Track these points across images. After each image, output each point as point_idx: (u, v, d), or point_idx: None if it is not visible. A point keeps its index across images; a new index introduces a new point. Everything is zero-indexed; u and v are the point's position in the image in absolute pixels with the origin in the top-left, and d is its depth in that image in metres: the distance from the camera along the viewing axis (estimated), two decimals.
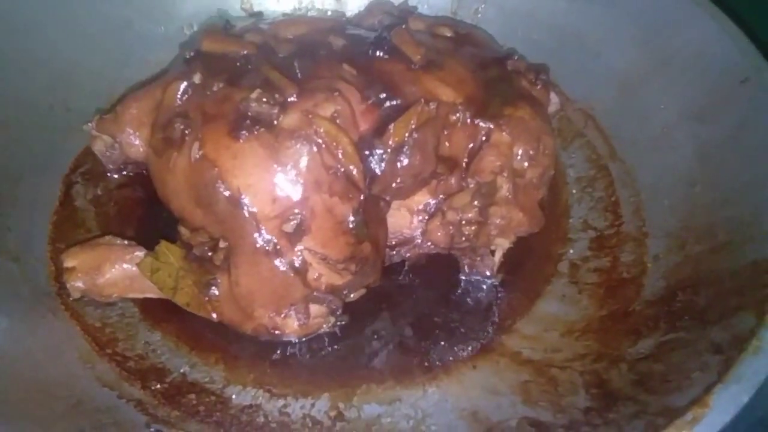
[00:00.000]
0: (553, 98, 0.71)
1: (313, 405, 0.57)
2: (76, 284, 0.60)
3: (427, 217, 0.64)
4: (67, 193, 0.69)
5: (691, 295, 0.56)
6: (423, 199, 0.64)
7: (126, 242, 0.62)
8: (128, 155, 0.66)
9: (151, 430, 0.51)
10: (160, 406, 0.55)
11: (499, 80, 0.67)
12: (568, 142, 0.77)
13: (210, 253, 0.58)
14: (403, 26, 0.67)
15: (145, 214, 0.70)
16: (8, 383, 0.48)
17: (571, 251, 0.69)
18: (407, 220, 0.65)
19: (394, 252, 0.66)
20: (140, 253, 0.61)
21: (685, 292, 0.57)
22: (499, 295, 0.66)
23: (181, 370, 0.59)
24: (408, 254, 0.67)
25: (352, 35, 0.67)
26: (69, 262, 0.60)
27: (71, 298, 0.60)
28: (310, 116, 0.56)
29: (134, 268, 0.60)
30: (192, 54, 0.64)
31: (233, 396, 0.57)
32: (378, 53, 0.64)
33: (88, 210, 0.69)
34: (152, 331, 0.61)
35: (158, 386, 0.57)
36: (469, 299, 0.66)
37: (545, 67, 0.70)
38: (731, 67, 0.64)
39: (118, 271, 0.60)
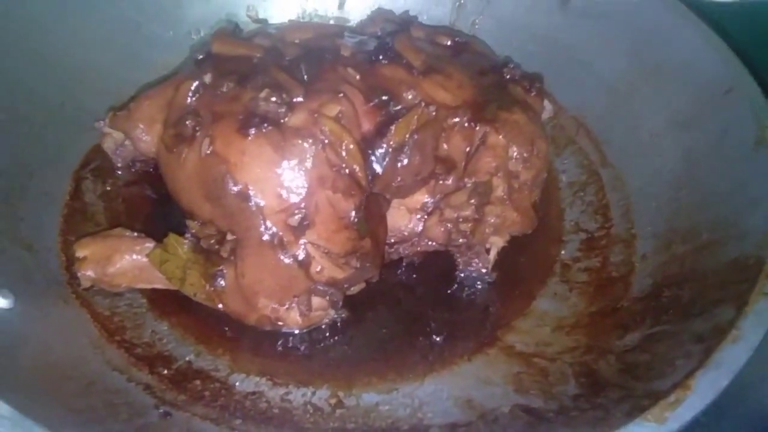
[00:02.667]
0: (547, 106, 0.74)
1: (313, 393, 0.59)
2: (87, 273, 0.62)
3: (425, 216, 0.67)
4: (77, 188, 0.71)
5: (676, 291, 0.59)
6: (422, 198, 0.67)
7: (136, 234, 0.64)
8: (139, 151, 0.68)
9: (160, 411, 0.53)
10: (167, 390, 0.56)
11: (495, 87, 0.70)
12: (561, 148, 0.80)
13: (217, 246, 0.61)
14: (405, 33, 0.70)
15: (152, 210, 0.72)
16: (23, 362, 0.50)
17: (563, 252, 0.71)
18: (406, 219, 0.67)
19: (393, 249, 0.69)
20: (150, 245, 0.63)
21: (670, 288, 0.60)
22: (495, 293, 0.68)
23: (187, 358, 0.61)
24: (406, 252, 0.69)
25: (356, 41, 0.70)
26: (80, 252, 0.62)
27: (81, 287, 0.62)
28: (315, 116, 0.59)
29: (143, 259, 0.63)
30: (203, 55, 0.67)
31: (237, 383, 0.59)
32: (381, 58, 0.67)
33: (97, 205, 0.71)
34: (159, 321, 0.63)
35: (165, 372, 0.59)
36: (465, 296, 0.68)
37: (539, 76, 0.73)
38: (715, 77, 0.68)
39: (128, 261, 0.62)
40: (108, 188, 0.73)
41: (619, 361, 0.55)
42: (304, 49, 0.68)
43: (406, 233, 0.68)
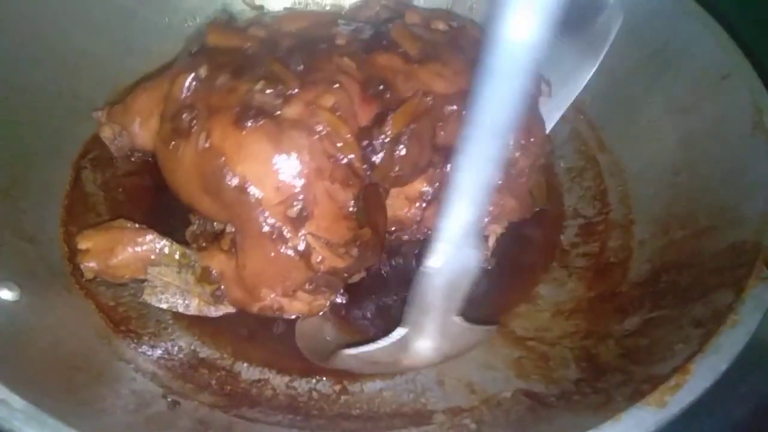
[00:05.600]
0: (545, 87, 0.73)
1: (318, 381, 0.60)
2: (90, 265, 0.62)
3: (424, 204, 0.67)
4: (77, 178, 0.71)
5: (675, 276, 0.60)
6: (420, 186, 0.66)
7: (137, 226, 0.64)
8: (137, 144, 0.68)
9: (168, 400, 0.54)
10: (174, 379, 0.57)
11: None
12: (558, 134, 0.80)
13: (204, 243, 0.61)
14: (401, 20, 0.70)
15: (152, 199, 0.72)
16: (33, 354, 0.51)
17: (562, 237, 0.72)
18: (405, 207, 0.67)
19: (393, 237, 0.69)
20: (151, 237, 0.63)
21: (668, 273, 0.61)
22: (494, 278, 0.68)
23: (192, 347, 0.61)
24: (406, 239, 0.70)
25: (352, 29, 0.69)
26: (83, 244, 0.62)
27: (85, 279, 0.62)
28: (311, 107, 0.59)
29: (145, 251, 0.63)
30: (198, 48, 0.66)
31: (241, 372, 0.60)
32: (377, 47, 0.66)
33: (97, 195, 0.71)
34: (162, 311, 0.63)
35: (171, 362, 0.59)
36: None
37: None
38: (713, 63, 0.68)
39: (130, 253, 0.62)
40: (108, 178, 0.72)
41: (619, 345, 0.56)
42: (299, 38, 0.67)
43: (405, 222, 0.68)
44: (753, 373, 0.64)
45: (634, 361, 0.53)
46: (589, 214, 0.73)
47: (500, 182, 0.66)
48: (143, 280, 0.64)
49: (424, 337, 0.58)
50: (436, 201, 0.67)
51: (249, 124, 0.57)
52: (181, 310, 0.62)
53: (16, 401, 0.42)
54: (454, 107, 0.65)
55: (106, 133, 0.71)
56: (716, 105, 0.67)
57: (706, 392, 0.46)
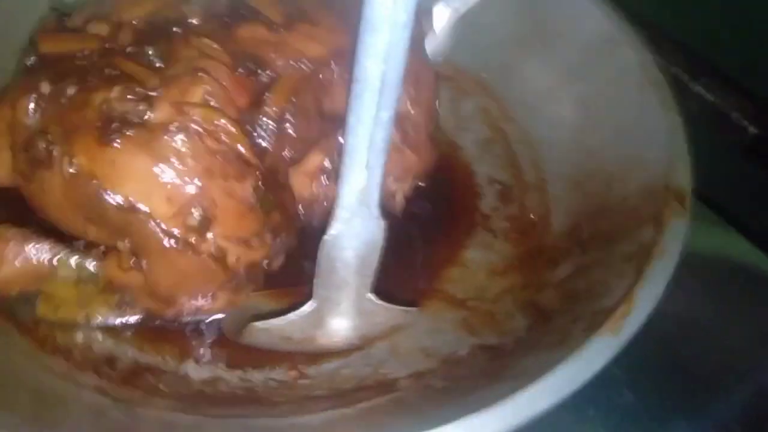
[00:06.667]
0: (427, 25, 0.74)
1: (271, 369, 0.59)
2: None
3: (325, 178, 0.64)
4: None
5: (595, 223, 0.64)
6: (317, 159, 0.63)
7: (25, 232, 0.58)
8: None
9: (120, 408, 0.50)
10: (119, 389, 0.53)
11: None
12: (463, 109, 0.84)
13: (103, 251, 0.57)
14: None
15: None
16: None
17: (482, 204, 0.75)
18: (307, 185, 0.64)
19: (306, 216, 0.65)
20: (41, 246, 0.57)
21: (589, 222, 0.65)
22: (420, 246, 0.70)
23: (130, 355, 0.57)
24: (315, 224, 0.65)
25: (206, 4, 0.63)
26: None
27: None
28: (180, 105, 0.53)
29: (35, 264, 0.57)
30: (32, 61, 0.59)
31: (188, 372, 0.57)
32: (237, 20, 0.60)
33: None
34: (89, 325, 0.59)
35: (112, 372, 0.55)
36: (390, 252, 0.69)
37: None
38: (599, 30, 0.74)
39: (17, 267, 0.56)
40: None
41: (559, 291, 0.60)
42: (147, 26, 0.60)
43: (311, 200, 0.65)
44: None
45: (576, 301, 0.56)
46: (504, 180, 0.77)
47: (397, 142, 0.64)
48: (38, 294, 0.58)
49: (339, 315, 0.57)
50: (333, 173, 0.63)
51: (115, 138, 0.51)
52: (82, 322, 0.57)
53: None
54: (335, 69, 0.61)
55: None
56: (606, 67, 0.73)
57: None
